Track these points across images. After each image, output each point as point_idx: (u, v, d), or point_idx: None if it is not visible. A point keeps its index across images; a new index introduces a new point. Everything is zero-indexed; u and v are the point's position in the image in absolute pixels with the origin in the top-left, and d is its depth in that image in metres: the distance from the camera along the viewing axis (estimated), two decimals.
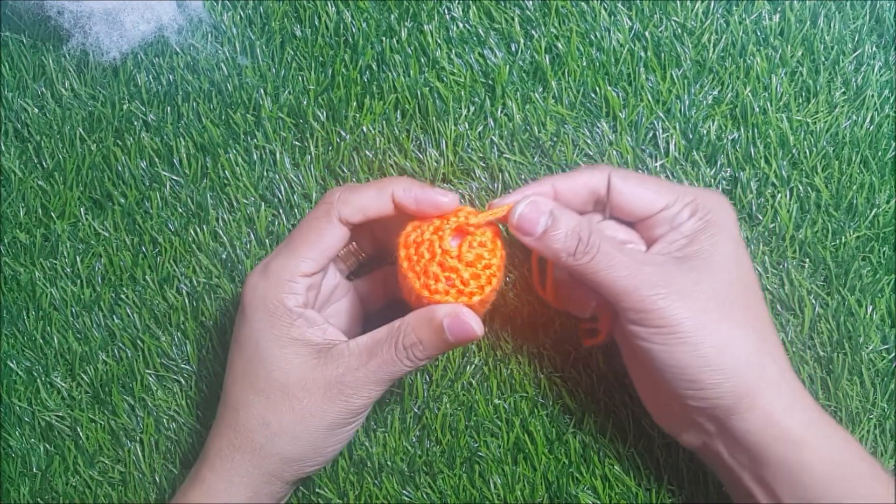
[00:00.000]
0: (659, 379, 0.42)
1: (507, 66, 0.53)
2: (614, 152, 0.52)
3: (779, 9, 0.53)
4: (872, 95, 0.51)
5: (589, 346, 0.51)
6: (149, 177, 0.55)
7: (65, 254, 0.55)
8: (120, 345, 0.54)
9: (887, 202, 0.51)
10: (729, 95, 0.52)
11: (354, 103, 0.54)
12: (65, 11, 0.54)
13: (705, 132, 0.52)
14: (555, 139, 0.52)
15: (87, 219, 0.55)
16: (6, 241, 0.56)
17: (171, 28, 0.55)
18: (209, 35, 0.56)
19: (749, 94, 0.52)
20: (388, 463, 0.52)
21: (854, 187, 0.51)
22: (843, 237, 0.51)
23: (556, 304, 0.48)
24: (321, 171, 0.54)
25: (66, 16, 0.54)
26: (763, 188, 0.51)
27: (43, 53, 0.57)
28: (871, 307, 0.50)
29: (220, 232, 0.54)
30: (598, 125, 0.52)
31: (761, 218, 0.51)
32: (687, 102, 0.52)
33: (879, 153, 0.51)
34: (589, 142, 0.52)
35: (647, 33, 0.52)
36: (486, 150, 0.53)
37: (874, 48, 0.52)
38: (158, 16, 0.54)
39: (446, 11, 0.54)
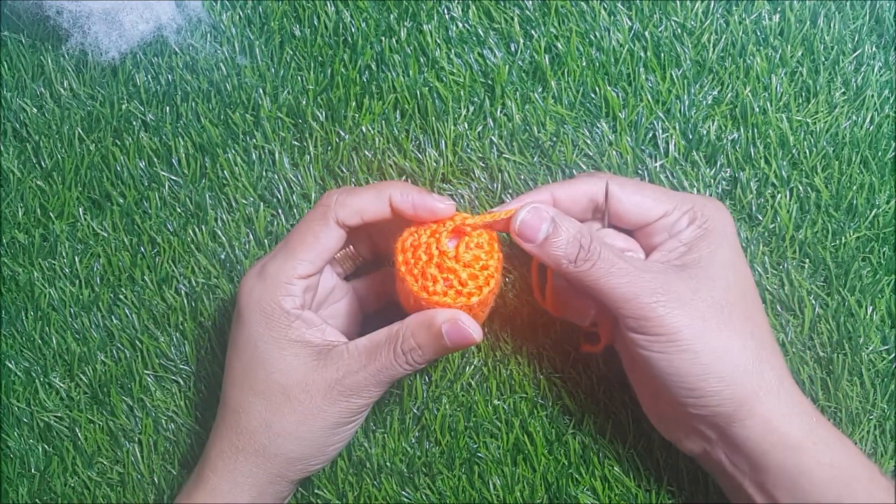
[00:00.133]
0: (659, 386, 0.43)
1: (507, 66, 0.53)
2: (614, 153, 0.52)
3: (779, 9, 0.53)
4: (872, 95, 0.51)
5: (587, 352, 0.51)
6: (147, 177, 0.55)
7: (63, 254, 0.55)
8: (118, 345, 0.54)
9: (887, 202, 0.51)
10: (729, 95, 0.52)
11: (353, 103, 0.54)
12: (64, 11, 0.54)
13: (705, 132, 0.52)
14: (554, 139, 0.52)
15: (85, 219, 0.55)
16: (5, 241, 0.55)
17: (169, 28, 0.55)
18: (208, 35, 0.55)
19: (749, 94, 0.52)
20: (388, 464, 0.52)
21: (854, 187, 0.51)
22: (843, 237, 0.50)
23: (556, 312, 0.48)
24: (320, 171, 0.54)
25: (65, 15, 0.54)
26: (763, 188, 0.51)
27: (42, 53, 0.57)
28: (871, 308, 0.50)
29: (219, 232, 0.54)
30: (598, 125, 0.52)
31: (761, 218, 0.51)
32: (687, 102, 0.52)
33: (879, 153, 0.51)
34: (589, 142, 0.52)
35: (646, 33, 0.52)
36: (486, 151, 0.53)
37: (874, 48, 0.52)
38: (157, 15, 0.54)
39: (446, 11, 0.54)
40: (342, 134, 0.54)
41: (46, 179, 0.56)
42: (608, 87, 0.52)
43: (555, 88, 0.53)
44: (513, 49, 0.53)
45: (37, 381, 0.55)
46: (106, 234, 0.55)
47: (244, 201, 0.54)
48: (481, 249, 0.43)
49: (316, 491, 0.52)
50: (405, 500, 0.52)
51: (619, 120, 0.52)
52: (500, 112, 0.53)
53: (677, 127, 0.52)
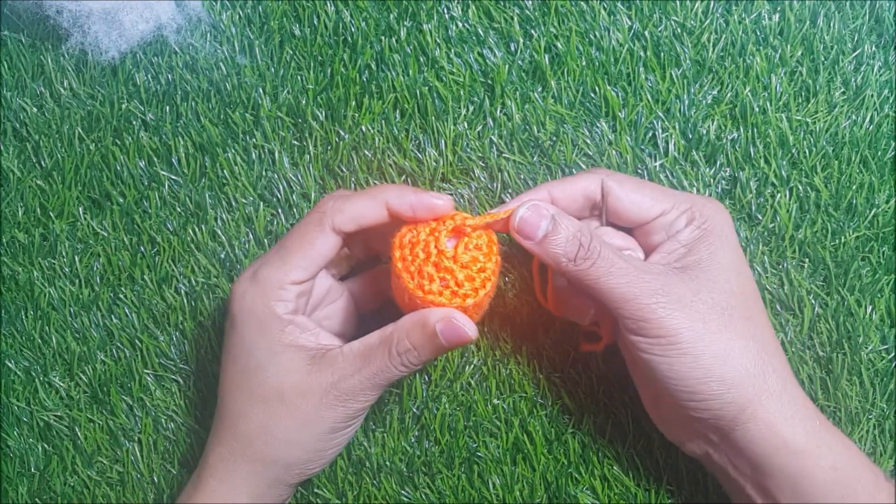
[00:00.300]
0: (660, 389, 0.42)
1: (507, 66, 0.53)
2: (614, 152, 0.52)
3: (778, 8, 0.53)
4: (872, 95, 0.51)
5: (587, 352, 0.51)
6: (147, 176, 0.55)
7: (63, 253, 0.55)
8: (118, 344, 0.54)
9: (887, 202, 0.51)
10: (728, 95, 0.52)
11: (353, 103, 0.54)
12: (64, 11, 0.54)
13: (705, 132, 0.52)
14: (554, 139, 0.52)
15: (85, 218, 0.55)
16: (5, 240, 0.55)
17: (169, 27, 0.55)
18: (208, 34, 0.55)
19: (748, 93, 0.52)
20: (387, 463, 0.52)
21: (853, 187, 0.51)
22: (843, 237, 0.50)
23: (557, 311, 0.48)
24: (320, 171, 0.54)
25: (65, 15, 0.54)
26: (763, 188, 0.51)
27: (42, 53, 0.57)
28: (870, 307, 0.50)
29: (219, 231, 0.54)
30: (598, 125, 0.52)
31: (761, 218, 0.51)
32: (686, 102, 0.52)
33: (879, 153, 0.51)
34: (588, 142, 0.52)
35: (646, 33, 0.52)
36: (486, 150, 0.53)
37: (874, 48, 0.52)
38: (157, 15, 0.54)
39: (445, 11, 0.54)
40: (342, 133, 0.54)
41: (46, 179, 0.56)
42: (608, 87, 0.52)
43: (554, 88, 0.53)
44: (512, 49, 0.53)
45: (36, 380, 0.55)
46: (106, 234, 0.55)
47: (244, 201, 0.54)
48: (480, 251, 0.42)
49: (316, 490, 0.52)
50: (405, 499, 0.52)
51: (618, 119, 0.52)
52: (500, 112, 0.53)
53: (677, 126, 0.52)
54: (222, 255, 0.54)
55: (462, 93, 0.53)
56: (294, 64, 0.55)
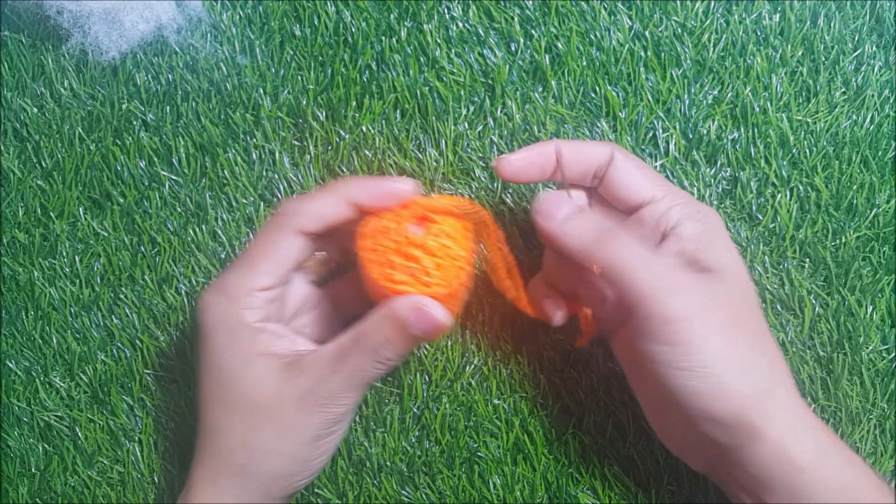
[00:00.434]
0: (666, 401, 0.41)
1: (507, 66, 0.53)
2: None
3: (779, 8, 0.53)
4: (872, 95, 0.51)
5: (584, 350, 0.50)
6: (148, 176, 0.55)
7: (63, 253, 0.55)
8: (119, 345, 0.54)
9: (887, 202, 0.51)
10: (729, 95, 0.52)
11: (354, 103, 0.54)
12: (64, 11, 0.54)
13: (705, 132, 0.52)
14: (554, 139, 0.52)
15: (86, 218, 0.55)
16: (5, 240, 0.55)
17: (170, 28, 0.55)
18: (208, 35, 0.56)
19: (749, 93, 0.52)
20: (388, 463, 0.52)
21: (854, 187, 0.51)
22: (844, 237, 0.50)
23: (532, 310, 0.46)
24: (320, 171, 0.54)
25: (66, 15, 0.54)
26: (763, 188, 0.51)
27: (42, 53, 0.57)
28: (871, 307, 0.50)
29: (220, 231, 0.54)
30: (598, 125, 0.52)
31: (761, 218, 0.51)
32: (687, 102, 0.52)
33: (879, 153, 0.51)
34: None
35: (647, 33, 0.52)
36: (486, 150, 0.53)
37: (874, 48, 0.52)
38: (158, 15, 0.54)
39: (446, 11, 0.54)
40: (342, 133, 0.54)
41: (47, 179, 0.56)
42: (608, 87, 0.52)
43: (555, 88, 0.53)
44: (513, 49, 0.53)
45: (37, 380, 0.55)
46: (106, 234, 0.55)
47: (244, 201, 0.54)
48: (450, 238, 0.40)
49: (316, 490, 0.52)
50: (405, 499, 0.52)
51: (619, 119, 0.52)
52: (501, 112, 0.53)
53: (677, 126, 0.52)
54: (223, 256, 0.54)
55: (462, 93, 0.53)
56: (294, 64, 0.55)
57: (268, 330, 0.42)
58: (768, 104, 0.52)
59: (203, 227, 0.54)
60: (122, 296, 0.54)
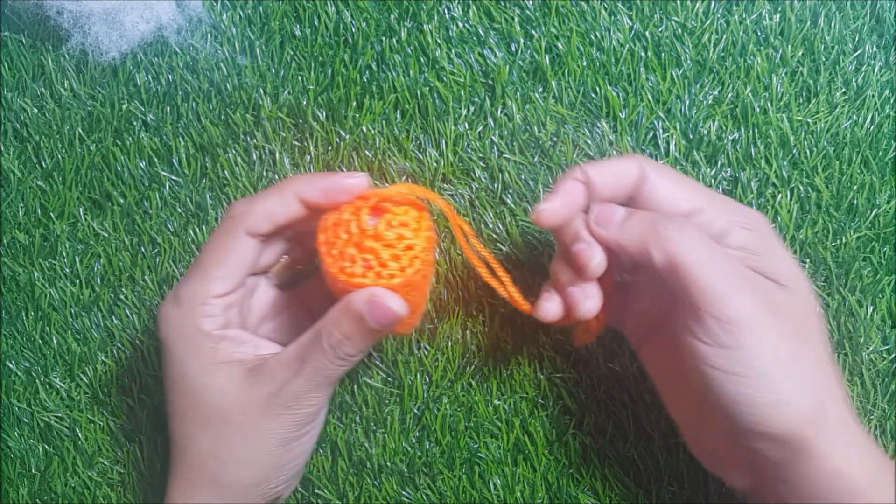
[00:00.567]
0: (709, 413, 0.38)
1: (507, 66, 0.53)
2: (614, 152, 0.52)
3: (779, 9, 0.53)
4: (873, 95, 0.51)
5: (584, 348, 0.50)
6: (148, 177, 0.55)
7: (64, 254, 0.55)
8: (119, 345, 0.54)
9: (888, 202, 0.51)
10: (729, 95, 0.52)
11: (354, 103, 0.54)
12: (64, 11, 0.54)
13: (705, 132, 0.52)
14: (555, 139, 0.52)
15: (86, 219, 0.55)
16: (5, 241, 0.55)
17: (170, 28, 0.55)
18: (208, 35, 0.55)
19: (749, 94, 0.52)
20: (388, 464, 0.52)
21: (854, 187, 0.51)
22: (844, 237, 0.50)
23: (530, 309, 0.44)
24: (321, 171, 0.54)
25: (66, 15, 0.54)
26: (763, 188, 0.51)
27: (42, 53, 0.57)
28: (871, 308, 0.50)
29: None
30: (599, 125, 0.52)
31: None
32: (687, 102, 0.52)
33: (880, 153, 0.51)
34: (589, 142, 0.52)
35: (647, 33, 0.52)
36: (486, 150, 0.53)
37: (874, 48, 0.52)
38: (158, 16, 0.54)
39: (446, 11, 0.54)
40: (343, 134, 0.54)
41: (47, 179, 0.56)
42: (608, 87, 0.52)
43: (555, 88, 0.53)
44: (513, 49, 0.53)
45: (37, 381, 0.55)
46: (106, 234, 0.55)
47: None
48: (406, 227, 0.40)
49: (316, 491, 0.52)
50: (405, 499, 0.52)
51: (619, 120, 0.52)
52: (501, 112, 0.53)
53: (678, 127, 0.52)
54: None
55: (463, 93, 0.53)
56: (295, 64, 0.55)
57: (228, 337, 0.42)
58: (768, 104, 0.52)
59: (203, 227, 0.54)
60: (122, 296, 0.54)
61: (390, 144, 0.53)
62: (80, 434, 0.54)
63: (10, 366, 0.55)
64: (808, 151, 0.51)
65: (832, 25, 0.52)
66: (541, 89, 0.53)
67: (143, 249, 0.54)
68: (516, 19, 0.53)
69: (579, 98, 0.52)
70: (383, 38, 0.54)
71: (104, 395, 0.54)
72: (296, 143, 0.54)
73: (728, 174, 0.52)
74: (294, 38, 0.55)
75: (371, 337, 0.40)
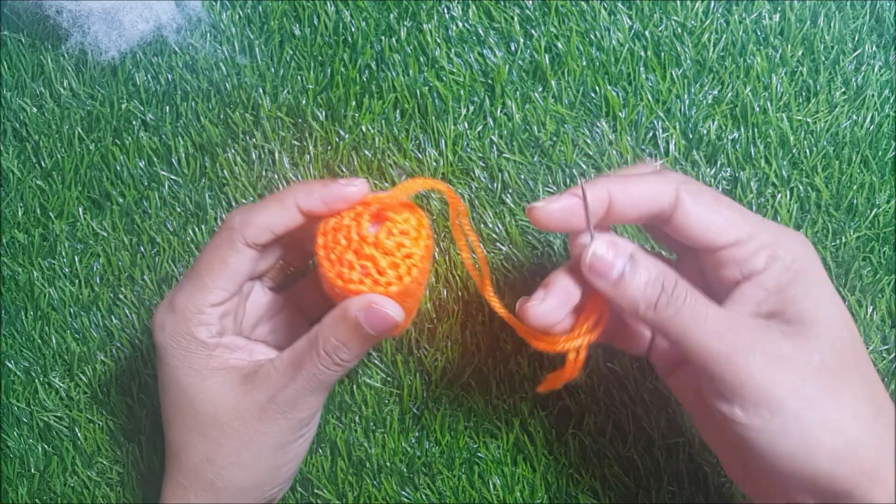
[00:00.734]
0: (753, 459, 0.36)
1: (507, 66, 0.53)
2: (614, 152, 0.52)
3: (779, 8, 0.53)
4: (872, 95, 0.51)
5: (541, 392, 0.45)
6: (147, 176, 0.55)
7: (63, 254, 0.55)
8: (118, 345, 0.54)
9: (887, 202, 0.51)
10: (729, 95, 0.52)
11: (353, 103, 0.54)
12: (63, 11, 0.54)
13: (705, 132, 0.52)
14: (554, 139, 0.52)
15: (85, 218, 0.55)
16: (4, 240, 0.55)
17: (169, 27, 0.55)
18: (208, 34, 0.55)
19: (749, 93, 0.52)
20: (387, 464, 0.52)
21: (854, 187, 0.51)
22: (844, 237, 0.50)
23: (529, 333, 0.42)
24: (320, 171, 0.54)
25: (65, 15, 0.54)
26: (763, 188, 0.51)
27: (42, 53, 0.56)
28: (871, 307, 0.50)
29: None
30: (598, 125, 0.52)
31: None
32: (687, 102, 0.52)
33: (879, 153, 0.51)
34: (589, 141, 0.52)
35: (646, 33, 0.52)
36: (486, 150, 0.53)
37: (874, 48, 0.52)
38: (157, 15, 0.54)
39: (445, 11, 0.54)
40: (342, 133, 0.54)
41: (46, 179, 0.56)
42: (608, 87, 0.52)
43: (555, 88, 0.53)
44: (513, 48, 0.53)
45: (36, 380, 0.55)
46: (106, 234, 0.55)
47: (244, 201, 0.54)
48: (405, 236, 0.40)
49: (316, 491, 0.52)
50: (405, 499, 0.52)
51: (619, 119, 0.52)
52: (500, 111, 0.53)
53: (677, 126, 0.52)
54: None
55: (462, 93, 0.53)
56: (294, 64, 0.55)
57: (223, 344, 0.42)
58: (768, 104, 0.52)
59: (202, 227, 0.54)
60: (121, 296, 0.54)
61: (390, 144, 0.53)
62: (79, 434, 0.54)
63: (10, 365, 0.55)
64: (807, 151, 0.51)
65: (832, 25, 0.52)
66: (540, 89, 0.53)
67: (142, 249, 0.54)
68: (516, 19, 0.53)
69: (579, 98, 0.52)
70: (383, 38, 0.54)
71: (103, 395, 0.54)
72: (295, 142, 0.54)
73: (728, 174, 0.52)
74: (293, 37, 0.55)
75: (367, 343, 0.40)
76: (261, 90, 0.54)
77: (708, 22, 0.52)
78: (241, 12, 0.56)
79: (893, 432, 0.36)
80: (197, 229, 0.54)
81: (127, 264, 0.54)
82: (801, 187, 0.51)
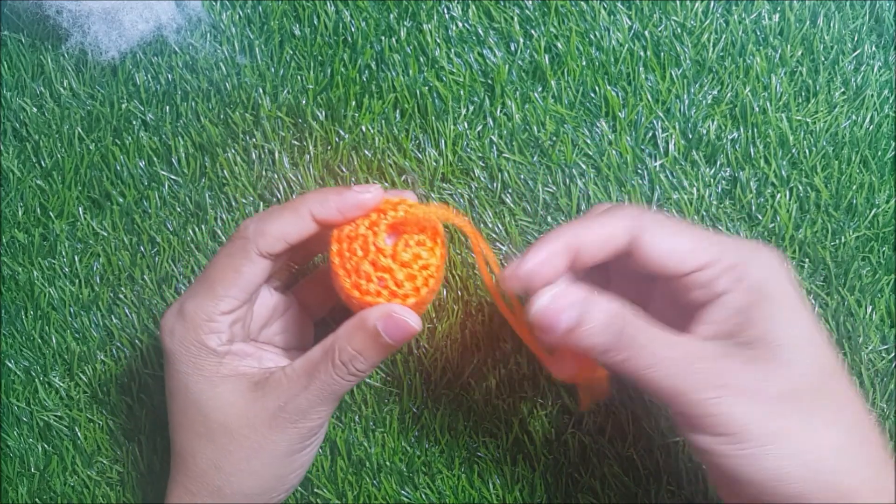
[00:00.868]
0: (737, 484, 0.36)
1: (507, 66, 0.53)
2: (614, 152, 0.52)
3: (778, 8, 0.53)
4: (872, 95, 0.51)
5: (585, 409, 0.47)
6: (147, 176, 0.55)
7: (63, 253, 0.55)
8: (118, 344, 0.54)
9: (887, 202, 0.51)
10: (728, 95, 0.52)
11: (353, 102, 0.54)
12: (63, 10, 0.54)
13: (705, 132, 0.52)
14: (554, 139, 0.52)
15: (85, 218, 0.55)
16: (4, 240, 0.55)
17: (169, 27, 0.55)
18: (208, 34, 0.55)
19: (749, 93, 0.52)
20: (387, 463, 0.52)
21: (854, 187, 0.51)
22: (843, 237, 0.50)
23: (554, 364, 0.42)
24: (320, 171, 0.54)
25: (65, 15, 0.54)
26: (763, 188, 0.51)
27: (42, 52, 0.57)
28: (870, 307, 0.50)
29: (219, 231, 0.54)
30: (598, 125, 0.52)
31: (761, 218, 0.51)
32: (686, 102, 0.52)
33: (879, 153, 0.51)
34: (588, 141, 0.52)
35: (646, 33, 0.52)
36: (486, 150, 0.53)
37: (874, 48, 0.52)
38: (157, 15, 0.54)
39: (445, 11, 0.54)
40: (342, 133, 0.54)
41: (46, 179, 0.56)
42: (608, 87, 0.52)
43: (554, 88, 0.53)
44: (512, 48, 0.53)
45: (36, 380, 0.55)
46: (106, 234, 0.55)
47: (244, 201, 0.54)
48: (422, 247, 0.40)
49: (315, 490, 0.52)
50: (405, 499, 0.52)
51: (618, 119, 0.52)
52: (500, 111, 0.53)
53: (677, 126, 0.52)
54: None
55: (462, 93, 0.53)
56: (294, 64, 0.55)
57: (233, 351, 0.42)
58: (768, 104, 0.52)
59: (202, 226, 0.54)
60: (121, 296, 0.54)
61: (389, 144, 0.53)
62: (79, 433, 0.54)
63: (10, 365, 0.55)
64: (807, 151, 0.51)
65: (831, 25, 0.52)
66: (540, 89, 0.53)
67: (142, 249, 0.54)
68: (515, 19, 0.53)
69: (578, 98, 0.52)
70: (383, 38, 0.54)
71: (103, 395, 0.54)
72: (295, 142, 0.54)
73: (727, 174, 0.52)
74: (293, 37, 0.55)
75: (384, 353, 0.40)
76: (261, 90, 0.54)
77: (707, 22, 0.52)
78: (241, 12, 0.56)
79: (873, 454, 0.36)
80: (197, 229, 0.54)
81: (127, 264, 0.54)
82: (800, 187, 0.51)
